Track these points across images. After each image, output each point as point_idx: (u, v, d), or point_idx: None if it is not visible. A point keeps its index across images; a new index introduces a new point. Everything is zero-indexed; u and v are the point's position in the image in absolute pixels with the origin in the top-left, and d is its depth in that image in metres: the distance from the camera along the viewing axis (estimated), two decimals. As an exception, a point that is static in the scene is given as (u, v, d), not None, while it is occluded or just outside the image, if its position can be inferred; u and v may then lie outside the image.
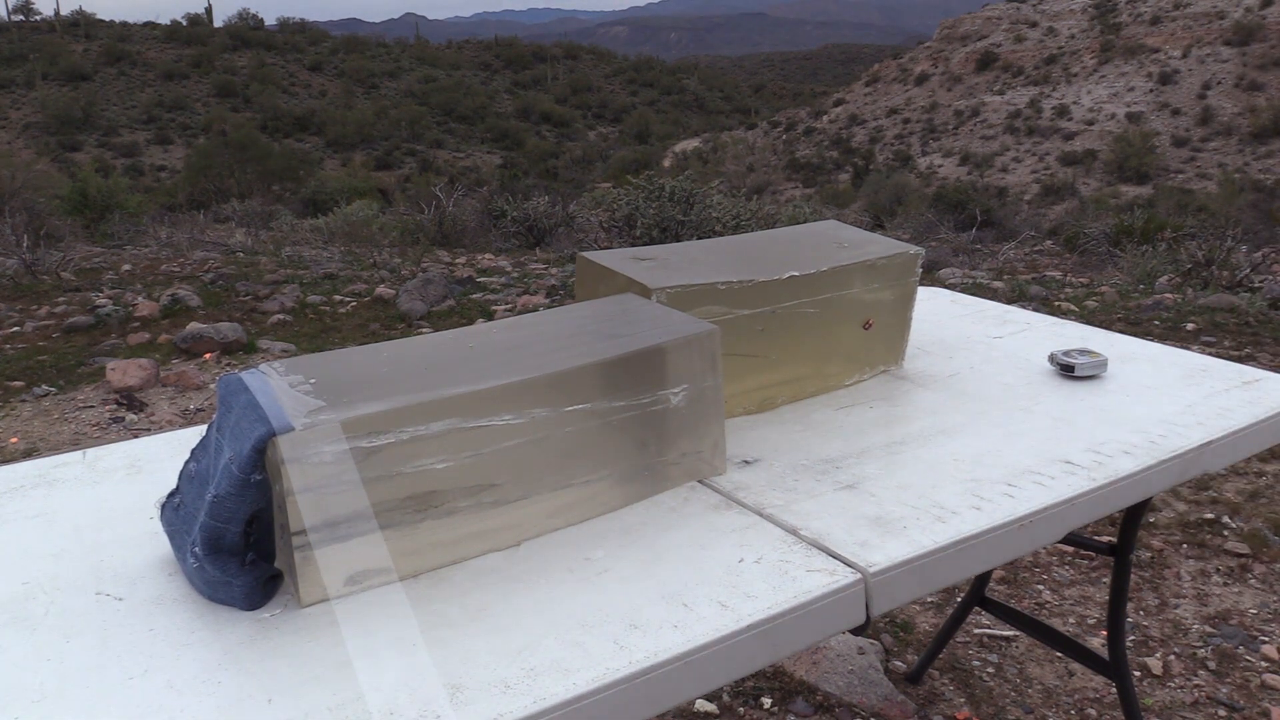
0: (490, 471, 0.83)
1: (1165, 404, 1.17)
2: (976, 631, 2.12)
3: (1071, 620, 2.15)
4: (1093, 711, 1.85)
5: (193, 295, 5.70)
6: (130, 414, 3.82)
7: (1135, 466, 1.01)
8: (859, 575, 0.81)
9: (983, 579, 1.77)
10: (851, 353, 1.23)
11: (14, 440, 3.55)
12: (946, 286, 5.76)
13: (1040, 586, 2.29)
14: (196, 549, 0.77)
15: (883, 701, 1.85)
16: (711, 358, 0.96)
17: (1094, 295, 5.73)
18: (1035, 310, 1.72)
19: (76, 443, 3.53)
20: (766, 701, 1.86)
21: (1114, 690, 1.66)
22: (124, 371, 4.09)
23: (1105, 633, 1.81)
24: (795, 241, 1.30)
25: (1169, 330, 4.63)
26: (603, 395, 0.88)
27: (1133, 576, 2.26)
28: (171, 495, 0.86)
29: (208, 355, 4.59)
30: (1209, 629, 2.11)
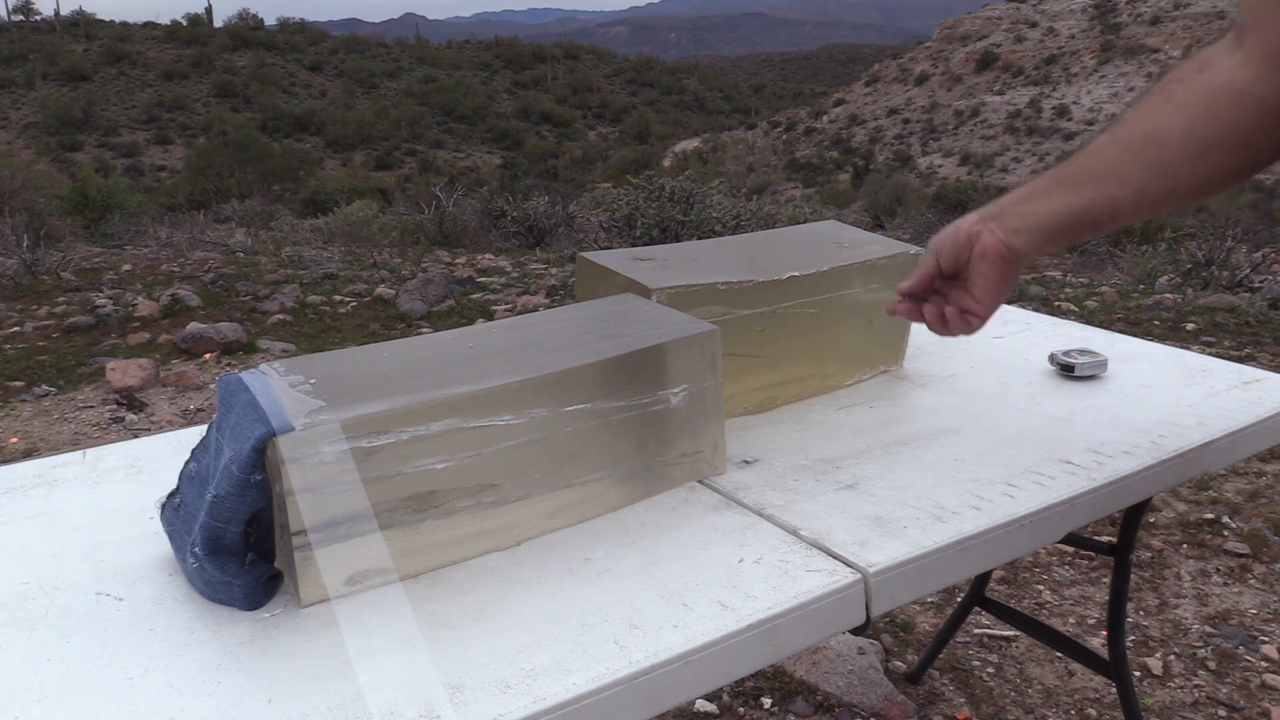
0: (490, 471, 0.83)
1: (1165, 404, 1.17)
2: (976, 631, 2.12)
3: (1071, 620, 2.15)
4: (1093, 711, 1.85)
5: (193, 295, 5.70)
6: (130, 414, 3.82)
7: (1135, 466, 1.01)
8: (859, 575, 0.81)
9: (983, 579, 1.77)
10: (851, 353, 1.23)
11: (14, 440, 3.55)
12: (946, 286, 5.74)
13: (1040, 586, 2.29)
14: (196, 549, 0.77)
15: (883, 701, 1.86)
16: (711, 358, 0.96)
17: (1094, 295, 5.73)
18: (1035, 310, 1.72)
19: (76, 443, 3.53)
20: (766, 701, 1.86)
21: (1114, 690, 1.66)
22: (124, 371, 4.09)
23: (1105, 633, 1.81)
24: (795, 241, 1.30)
25: (1169, 330, 4.63)
26: (603, 395, 0.88)
27: (1133, 576, 2.26)
28: (171, 495, 0.86)
29: (208, 355, 4.59)
30: (1209, 629, 2.11)
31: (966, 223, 0.91)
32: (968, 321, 0.93)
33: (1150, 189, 0.85)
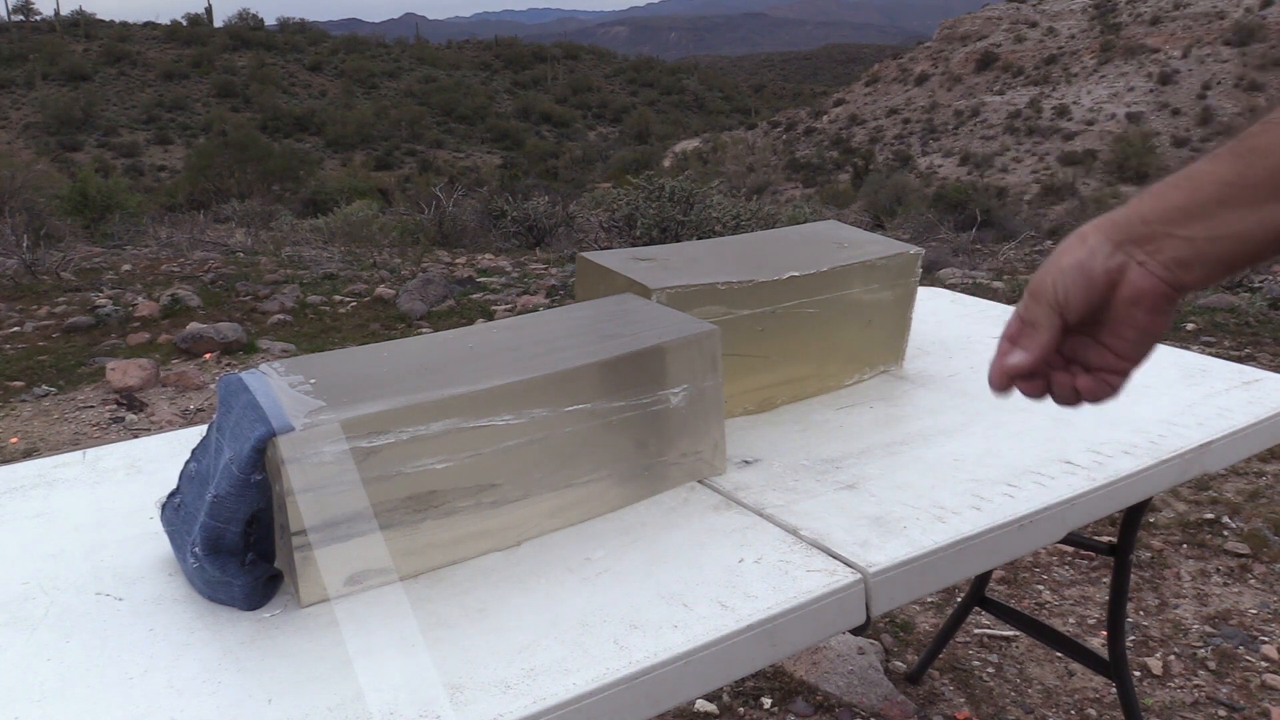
0: (490, 471, 0.83)
1: (1165, 404, 1.17)
2: (976, 631, 2.12)
3: (1071, 620, 2.15)
4: (1093, 711, 1.85)
5: (193, 295, 5.70)
6: (130, 414, 3.82)
7: (1135, 466, 1.01)
8: (859, 575, 0.81)
9: (983, 579, 1.77)
10: (851, 353, 1.23)
11: (14, 440, 3.55)
12: (947, 286, 5.75)
13: (1040, 586, 2.29)
14: (196, 549, 0.77)
15: (883, 701, 1.85)
16: (711, 358, 0.96)
17: (1094, 295, 5.72)
18: (1035, 310, 1.71)
19: (76, 443, 3.53)
20: (766, 701, 1.86)
21: (1114, 690, 1.66)
22: (124, 371, 4.09)
23: (1105, 633, 1.81)
24: (795, 241, 1.30)
25: (1169, 330, 4.63)
26: (603, 395, 0.88)
27: (1133, 576, 2.26)
28: (171, 495, 0.86)
29: (208, 355, 4.59)
30: (1209, 629, 2.11)
31: (1098, 256, 0.62)
32: (1107, 383, 0.67)
33: None
